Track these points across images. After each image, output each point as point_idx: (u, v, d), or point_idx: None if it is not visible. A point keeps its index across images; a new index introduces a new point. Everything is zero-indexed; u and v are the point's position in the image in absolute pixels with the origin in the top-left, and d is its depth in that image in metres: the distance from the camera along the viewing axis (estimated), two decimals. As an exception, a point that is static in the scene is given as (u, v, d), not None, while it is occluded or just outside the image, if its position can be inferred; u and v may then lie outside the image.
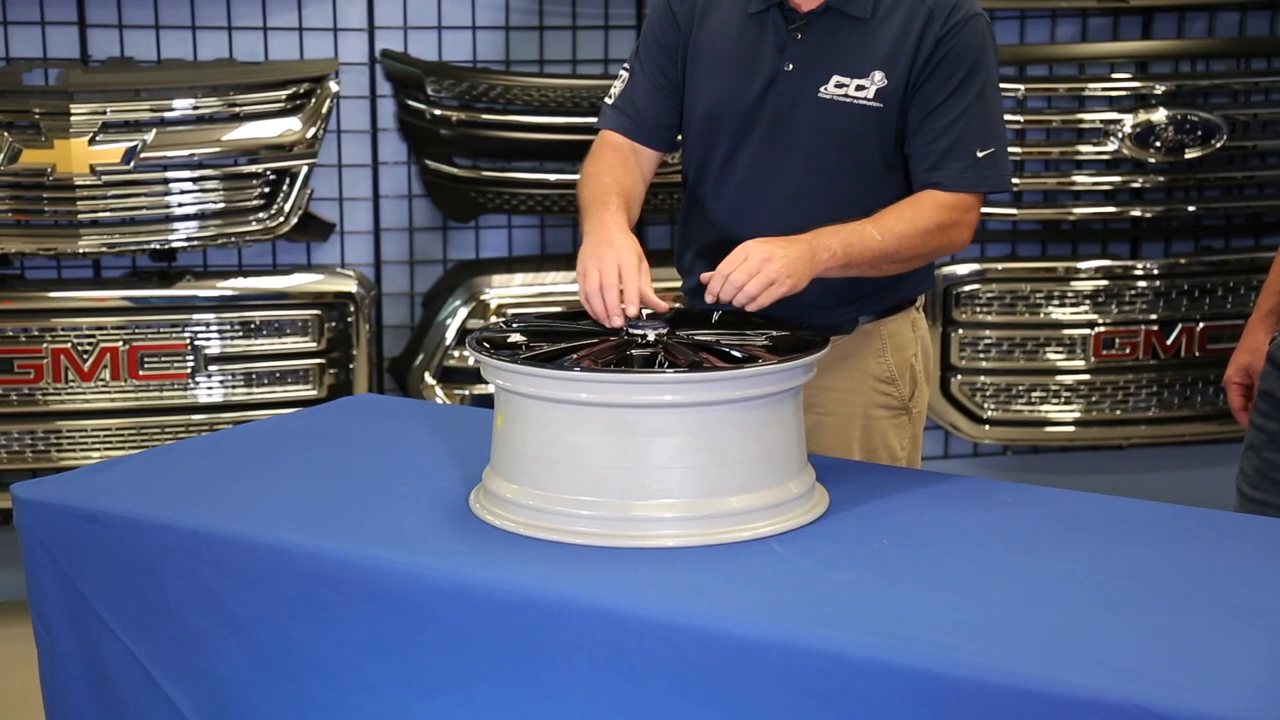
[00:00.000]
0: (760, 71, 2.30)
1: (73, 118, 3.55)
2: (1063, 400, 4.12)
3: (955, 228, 2.24)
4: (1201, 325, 4.09)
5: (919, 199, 2.24)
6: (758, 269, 2.01)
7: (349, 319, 3.81)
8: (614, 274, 2.02)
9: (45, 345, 3.68)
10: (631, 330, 1.98)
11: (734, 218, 2.33)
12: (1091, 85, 3.98)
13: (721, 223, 2.34)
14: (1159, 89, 3.97)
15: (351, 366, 3.83)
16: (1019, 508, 1.98)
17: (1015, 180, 3.98)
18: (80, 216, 3.60)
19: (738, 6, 2.33)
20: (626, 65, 2.44)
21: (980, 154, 2.23)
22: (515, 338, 1.98)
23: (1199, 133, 3.95)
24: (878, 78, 2.24)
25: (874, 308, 2.39)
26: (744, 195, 2.33)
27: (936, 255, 2.30)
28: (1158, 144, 3.94)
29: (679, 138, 2.45)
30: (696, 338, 2.00)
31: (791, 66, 2.28)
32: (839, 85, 2.25)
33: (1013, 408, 4.12)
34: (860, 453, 2.39)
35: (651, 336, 1.96)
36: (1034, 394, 4.11)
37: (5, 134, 3.54)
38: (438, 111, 3.79)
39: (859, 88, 2.25)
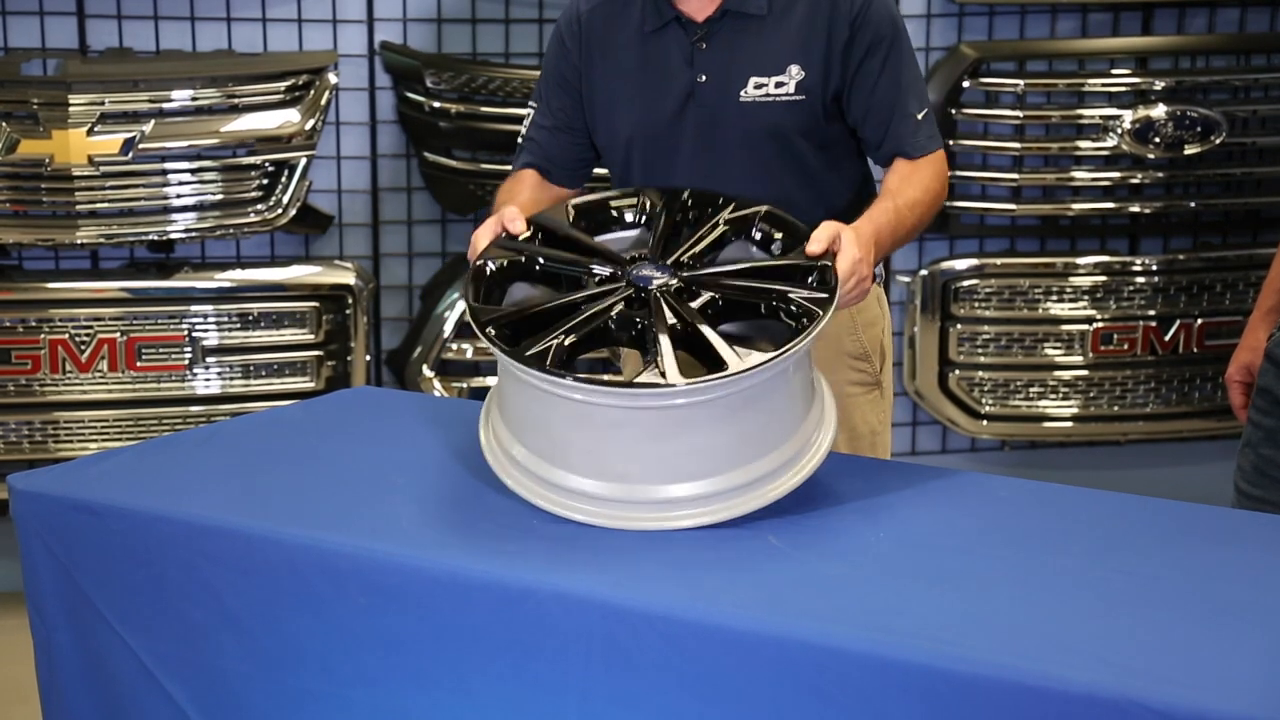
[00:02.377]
0: (674, 88, 2.31)
1: (71, 108, 3.55)
2: (1061, 396, 4.13)
3: (944, 185, 2.34)
4: (1200, 321, 4.09)
5: (914, 165, 2.30)
6: (852, 272, 1.97)
7: (347, 311, 3.81)
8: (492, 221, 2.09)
9: (43, 336, 3.68)
10: (635, 277, 1.91)
11: None
12: (1091, 81, 3.98)
13: None
14: (1158, 85, 3.97)
15: (349, 359, 3.83)
16: (1016, 503, 1.97)
17: (1015, 175, 4.00)
18: (78, 207, 3.61)
19: (631, 28, 2.33)
20: (532, 102, 2.46)
21: (920, 116, 2.31)
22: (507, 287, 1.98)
23: (1198, 129, 3.95)
24: (794, 71, 2.28)
25: None
26: None
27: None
28: (1157, 140, 3.94)
29: (594, 170, 2.48)
30: (703, 288, 1.91)
31: (705, 77, 2.30)
32: (758, 86, 2.28)
33: (1011, 403, 4.12)
34: (841, 429, 2.39)
35: (656, 284, 1.89)
36: (1032, 389, 4.12)
37: (3, 124, 3.54)
38: (437, 104, 3.79)
39: (778, 84, 2.28)
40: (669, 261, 1.94)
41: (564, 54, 2.40)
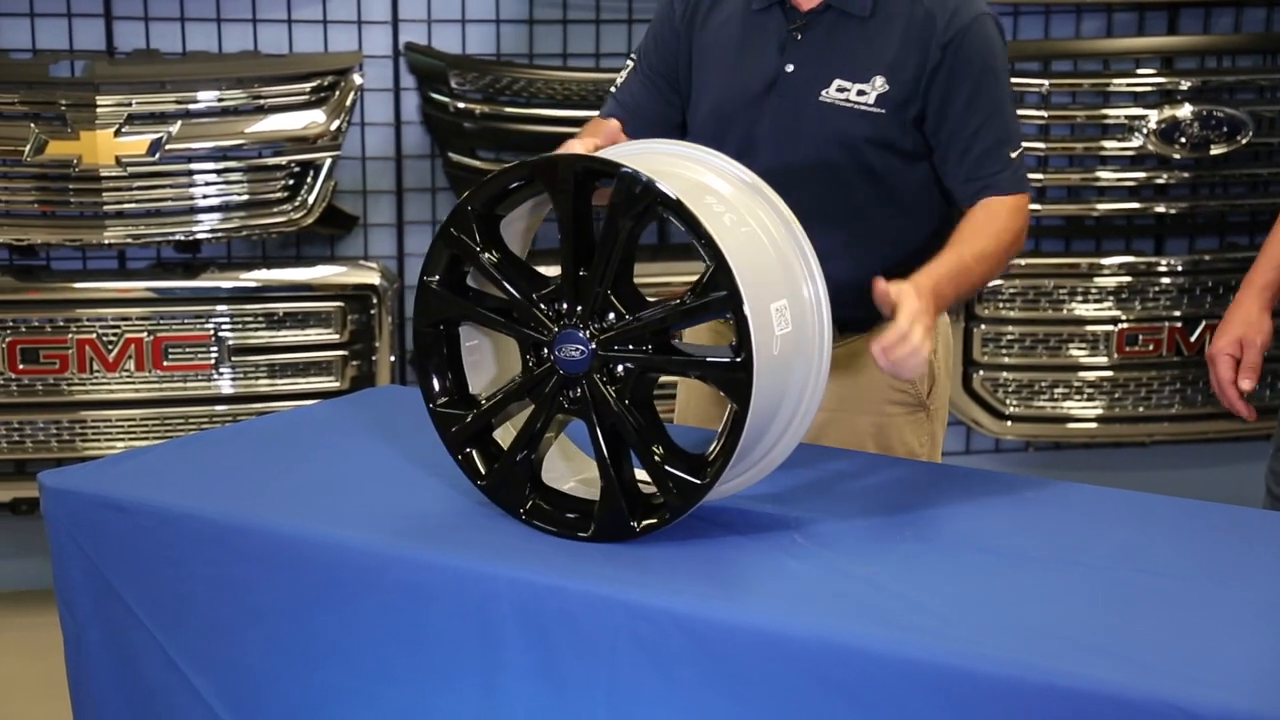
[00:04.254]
0: (762, 70, 2.28)
1: (98, 109, 3.57)
2: (1085, 397, 4.12)
3: (1022, 232, 2.22)
4: (1225, 322, 4.07)
5: (991, 211, 2.19)
6: (917, 348, 1.89)
7: (372, 311, 3.82)
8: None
9: (70, 336, 3.70)
10: (560, 361, 1.80)
11: None
12: (1116, 81, 3.97)
13: None
14: (1184, 84, 3.95)
15: (374, 359, 3.84)
16: (1042, 502, 1.97)
17: (1039, 175, 3.98)
18: (105, 208, 3.62)
19: (741, 2, 2.31)
20: (630, 57, 2.44)
21: (1013, 155, 2.22)
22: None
23: (1224, 129, 3.94)
24: (879, 83, 2.22)
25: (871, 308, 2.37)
26: None
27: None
28: (1182, 140, 3.93)
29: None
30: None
31: (792, 67, 2.26)
32: (840, 90, 2.23)
33: (1035, 404, 4.11)
34: (874, 447, 2.37)
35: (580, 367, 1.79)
36: (1056, 390, 4.10)
37: (32, 125, 3.56)
38: (461, 105, 3.80)
39: (860, 93, 2.22)
40: (586, 323, 1.80)
41: (670, 14, 2.38)
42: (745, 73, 2.29)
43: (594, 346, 1.77)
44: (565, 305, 1.80)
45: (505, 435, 1.89)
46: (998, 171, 2.20)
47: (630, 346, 1.77)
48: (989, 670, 1.46)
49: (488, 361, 1.96)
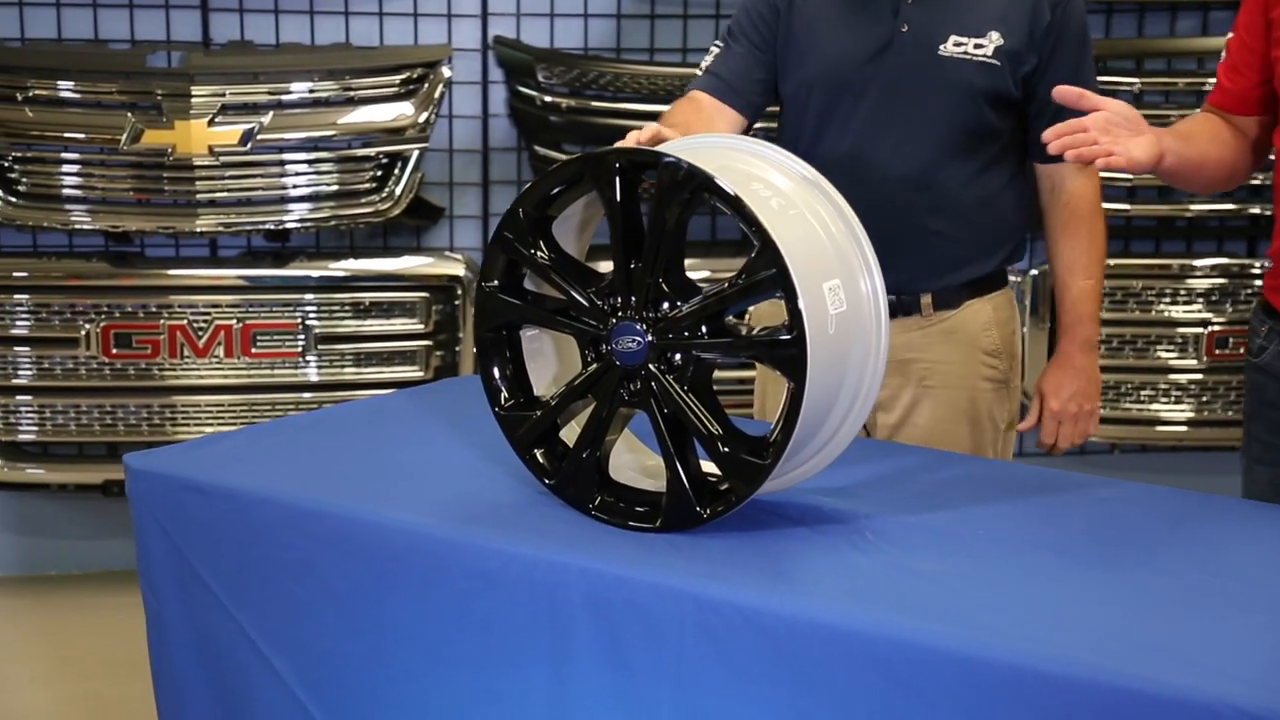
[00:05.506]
0: (874, 34, 2.37)
1: (193, 99, 3.64)
2: (1173, 400, 4.06)
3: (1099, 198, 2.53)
4: (1319, 326, 4.00)
5: (1074, 210, 2.49)
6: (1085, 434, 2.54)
7: (456, 302, 3.85)
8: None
9: (162, 322, 3.77)
10: (618, 353, 1.81)
11: (850, 175, 2.35)
12: (1210, 80, 3.90)
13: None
14: (1280, 84, 3.88)
15: (457, 349, 3.88)
16: (1117, 503, 1.95)
17: (1129, 175, 3.93)
18: (198, 196, 3.69)
19: None
20: (719, 41, 2.51)
21: None
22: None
23: (1321, 128, 3.86)
24: (994, 36, 2.36)
25: (977, 273, 2.49)
26: (859, 154, 2.38)
27: None
28: (1278, 140, 3.86)
29: (765, 110, 2.52)
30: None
31: (907, 28, 2.36)
32: (957, 44, 2.35)
33: (1121, 405, 4.06)
34: (966, 423, 2.47)
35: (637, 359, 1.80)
36: (1143, 392, 4.05)
37: (128, 115, 3.63)
38: (548, 98, 3.82)
39: (977, 45, 2.35)
40: (640, 314, 1.80)
41: None
42: (856, 37, 2.39)
43: (650, 337, 1.78)
44: (619, 299, 1.81)
45: (571, 433, 1.90)
46: None
47: (685, 334, 1.78)
48: (1055, 670, 1.45)
49: (550, 361, 1.97)
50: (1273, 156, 2.26)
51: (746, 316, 2.40)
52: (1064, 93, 1.96)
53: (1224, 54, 2.26)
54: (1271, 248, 2.26)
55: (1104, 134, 1.91)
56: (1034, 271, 3.99)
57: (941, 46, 2.36)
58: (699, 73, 2.49)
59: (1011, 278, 3.95)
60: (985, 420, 2.49)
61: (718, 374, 1.84)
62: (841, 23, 2.40)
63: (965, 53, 2.35)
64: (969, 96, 2.37)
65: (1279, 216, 2.25)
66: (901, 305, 2.43)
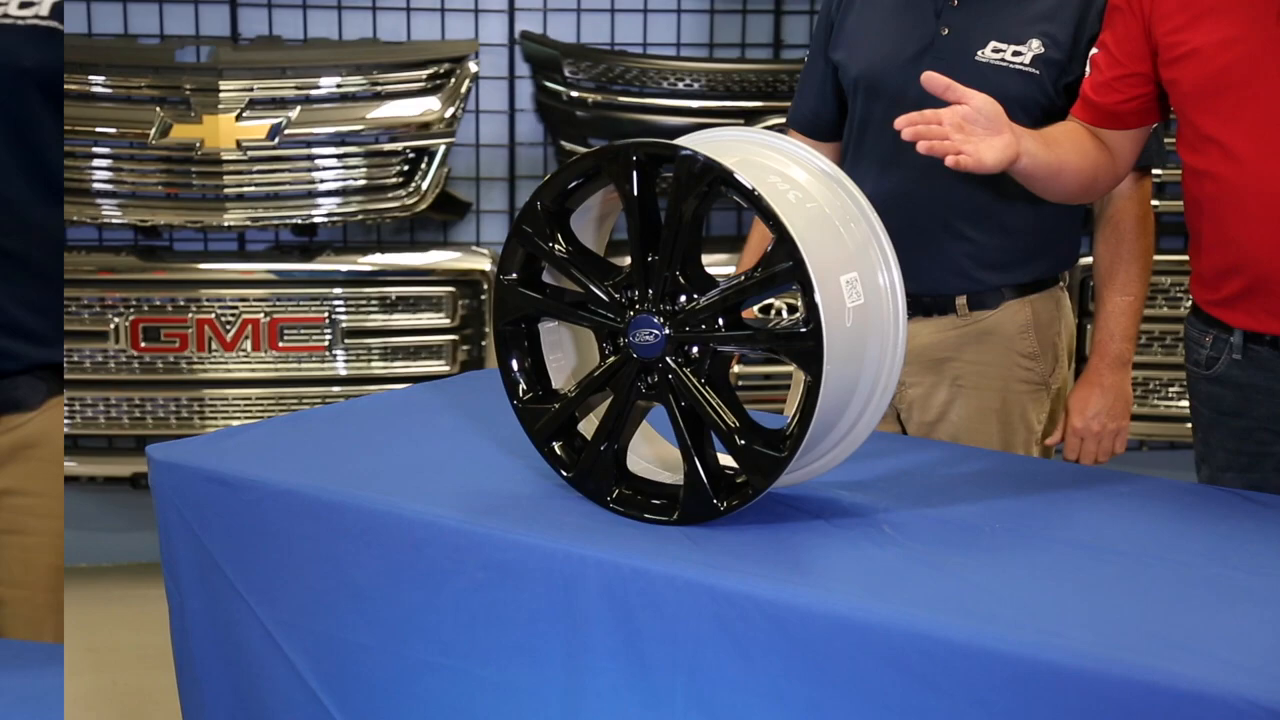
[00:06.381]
0: (916, 35, 2.37)
1: (221, 94, 3.66)
2: (1202, 396, 4.03)
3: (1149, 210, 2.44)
4: (1350, 322, 3.97)
5: (1119, 220, 2.40)
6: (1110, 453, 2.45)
7: (482, 296, 3.87)
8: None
9: (191, 315, 3.79)
10: (635, 345, 1.81)
11: (888, 176, 2.36)
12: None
13: (870, 183, 2.33)
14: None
15: (484, 343, 3.89)
16: (1137, 498, 1.94)
17: (1158, 171, 3.88)
18: (226, 190, 3.71)
19: None
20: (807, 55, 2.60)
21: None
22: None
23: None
24: (1035, 44, 2.33)
25: (1017, 278, 2.45)
26: (896, 156, 2.36)
27: None
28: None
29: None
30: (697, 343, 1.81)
31: (948, 31, 2.36)
32: (996, 50, 2.33)
33: (1150, 402, 4.04)
34: (997, 423, 2.43)
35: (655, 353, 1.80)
36: (1172, 389, 4.03)
37: (157, 109, 3.65)
38: (575, 93, 3.83)
39: (1015, 53, 2.33)
40: (658, 307, 1.80)
41: (827, 7, 2.51)
42: (898, 37, 2.39)
43: (667, 330, 1.78)
44: (636, 291, 1.81)
45: (589, 426, 1.90)
46: (1154, 143, 2.31)
47: (702, 326, 1.78)
48: (1070, 663, 1.44)
49: (569, 354, 1.97)
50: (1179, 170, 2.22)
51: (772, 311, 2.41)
52: (931, 81, 1.95)
53: (1089, 69, 2.23)
54: (1202, 262, 2.21)
55: (957, 131, 1.91)
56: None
57: (980, 53, 2.34)
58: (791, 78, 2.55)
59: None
60: (1018, 421, 2.45)
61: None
62: (889, 23, 2.41)
63: (1003, 60, 2.33)
64: (1004, 104, 2.31)
65: (1191, 229, 2.20)
66: (936, 305, 2.42)
